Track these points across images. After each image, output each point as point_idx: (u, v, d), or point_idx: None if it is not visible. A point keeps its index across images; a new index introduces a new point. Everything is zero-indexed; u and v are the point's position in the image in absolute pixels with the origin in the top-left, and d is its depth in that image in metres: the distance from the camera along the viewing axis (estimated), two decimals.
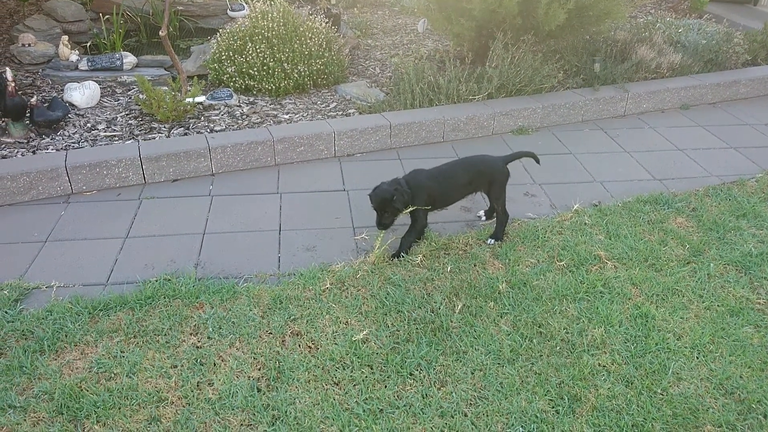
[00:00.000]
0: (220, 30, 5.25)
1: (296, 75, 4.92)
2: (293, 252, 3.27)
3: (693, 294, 2.98)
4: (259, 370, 2.50)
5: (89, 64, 5.13)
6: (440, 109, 4.59)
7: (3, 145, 4.06)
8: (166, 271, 3.06)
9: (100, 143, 4.15)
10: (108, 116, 4.53)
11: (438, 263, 3.14)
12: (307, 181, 3.98)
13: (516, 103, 4.73)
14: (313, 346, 2.62)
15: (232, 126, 4.43)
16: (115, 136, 4.25)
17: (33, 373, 2.46)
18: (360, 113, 4.68)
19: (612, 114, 5.06)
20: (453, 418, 2.31)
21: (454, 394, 2.41)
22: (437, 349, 2.61)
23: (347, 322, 2.75)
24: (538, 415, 2.33)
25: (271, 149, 4.12)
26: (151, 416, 2.29)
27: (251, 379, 2.46)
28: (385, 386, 2.43)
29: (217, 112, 4.64)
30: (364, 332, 2.68)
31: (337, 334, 2.68)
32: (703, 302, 2.93)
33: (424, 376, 2.49)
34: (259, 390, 2.41)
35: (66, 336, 2.63)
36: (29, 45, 5.25)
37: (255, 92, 4.96)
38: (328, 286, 2.96)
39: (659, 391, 2.45)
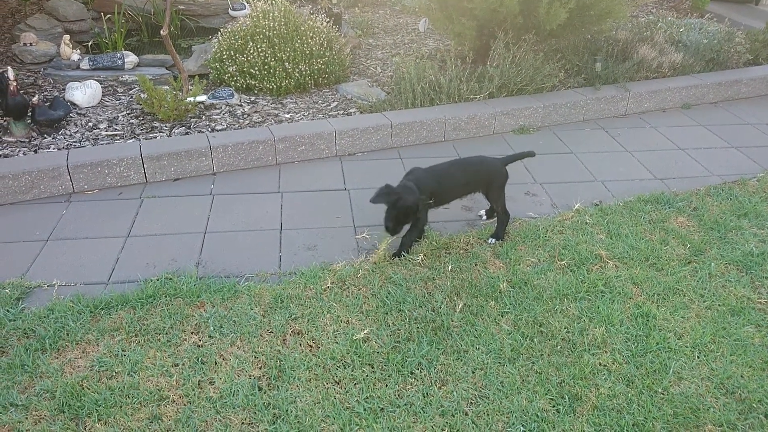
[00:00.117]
0: (222, 29, 5.25)
1: (297, 74, 4.93)
2: (294, 251, 3.27)
3: (694, 293, 2.98)
4: (260, 368, 2.51)
5: (91, 63, 5.14)
6: (441, 109, 4.59)
7: (5, 144, 4.07)
8: (168, 270, 3.07)
9: (102, 142, 4.15)
10: (109, 115, 4.53)
11: (439, 262, 3.14)
12: (308, 180, 3.99)
13: (517, 103, 4.73)
14: (314, 345, 2.62)
15: (234, 125, 4.43)
16: (116, 135, 4.26)
17: (34, 371, 2.47)
18: (361, 112, 4.68)
19: (613, 113, 5.06)
20: (454, 417, 2.32)
21: (454, 393, 2.41)
22: (438, 348, 2.61)
23: (348, 321, 2.75)
24: (538, 414, 2.33)
25: (273, 148, 4.12)
26: (152, 414, 2.30)
27: (252, 377, 2.46)
28: (386, 385, 2.44)
29: (218, 111, 4.65)
30: (365, 331, 2.68)
31: (338, 333, 2.68)
32: (704, 302, 2.93)
33: (425, 375, 2.49)
34: (260, 389, 2.41)
35: (67, 334, 2.64)
36: (31, 44, 5.26)
37: (256, 91, 4.97)
38: (329, 285, 2.96)
39: (660, 390, 2.45)
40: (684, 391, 2.45)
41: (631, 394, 2.42)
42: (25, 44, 5.25)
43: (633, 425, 2.30)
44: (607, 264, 3.16)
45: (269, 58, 4.89)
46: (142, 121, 4.45)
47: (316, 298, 2.88)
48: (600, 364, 2.56)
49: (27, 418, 2.28)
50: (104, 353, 2.56)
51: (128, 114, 4.56)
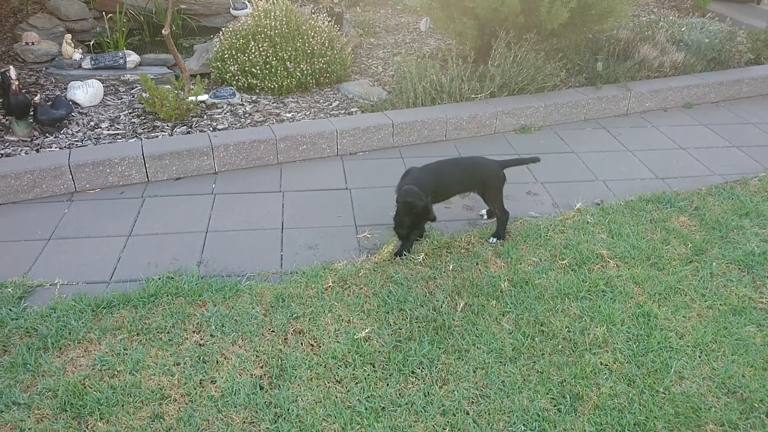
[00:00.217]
0: (223, 28, 5.26)
1: (299, 73, 4.93)
2: (296, 250, 3.28)
3: (695, 293, 2.98)
4: (262, 367, 2.51)
5: (92, 62, 5.14)
6: (443, 108, 4.59)
7: (7, 144, 4.08)
8: (169, 269, 3.07)
9: (104, 141, 4.16)
10: (111, 114, 4.54)
11: (440, 262, 3.15)
12: (310, 179, 3.99)
13: (518, 102, 4.73)
14: (315, 344, 2.63)
15: (235, 124, 4.44)
16: (118, 134, 4.26)
17: (37, 370, 2.48)
18: (362, 112, 4.68)
19: (614, 113, 5.05)
20: (455, 416, 2.32)
21: (456, 392, 2.42)
22: (439, 348, 2.61)
23: (349, 320, 2.76)
24: (540, 413, 2.33)
25: (274, 148, 4.12)
26: (154, 413, 2.30)
27: (254, 376, 2.47)
28: (387, 384, 2.44)
29: (219, 110, 4.65)
30: (366, 330, 2.68)
31: (339, 332, 2.68)
32: (705, 301, 2.93)
33: (426, 375, 2.49)
34: (261, 388, 2.42)
35: (69, 333, 2.64)
36: (32, 43, 5.26)
37: (258, 91, 4.97)
38: (331, 284, 2.96)
39: (661, 389, 2.45)
40: (685, 391, 2.45)
41: (632, 394, 2.43)
42: (26, 43, 5.26)
43: (634, 425, 2.30)
44: (609, 263, 3.16)
45: (271, 58, 4.90)
46: (144, 121, 4.46)
47: (318, 298, 2.88)
48: (601, 364, 2.56)
49: (29, 417, 2.28)
50: (106, 352, 2.56)
51: (130, 113, 4.57)
